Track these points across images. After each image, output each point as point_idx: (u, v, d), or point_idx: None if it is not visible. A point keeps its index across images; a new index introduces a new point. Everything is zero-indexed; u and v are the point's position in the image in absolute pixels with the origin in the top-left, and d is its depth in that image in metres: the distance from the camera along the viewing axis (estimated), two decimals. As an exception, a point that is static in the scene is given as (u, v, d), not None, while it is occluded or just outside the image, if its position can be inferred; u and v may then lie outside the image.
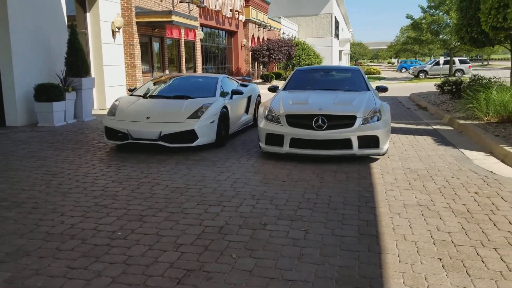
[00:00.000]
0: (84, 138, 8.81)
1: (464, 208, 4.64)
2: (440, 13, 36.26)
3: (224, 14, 23.86)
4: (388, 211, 4.56)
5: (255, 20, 30.20)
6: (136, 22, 14.71)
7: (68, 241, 3.80)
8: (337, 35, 64.39)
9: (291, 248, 3.67)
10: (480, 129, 8.74)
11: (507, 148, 6.87)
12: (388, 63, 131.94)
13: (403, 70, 64.17)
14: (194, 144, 7.27)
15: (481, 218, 4.33)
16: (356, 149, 6.61)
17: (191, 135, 7.23)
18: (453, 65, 38.86)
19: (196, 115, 7.38)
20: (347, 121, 6.65)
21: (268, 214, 4.48)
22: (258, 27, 31.56)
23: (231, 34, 28.18)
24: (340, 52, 73.05)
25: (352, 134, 6.57)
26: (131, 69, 14.74)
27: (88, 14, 13.36)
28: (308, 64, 32.20)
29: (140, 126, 7.24)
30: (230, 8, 25.00)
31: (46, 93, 10.06)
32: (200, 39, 21.05)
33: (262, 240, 3.83)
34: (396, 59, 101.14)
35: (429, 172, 6.14)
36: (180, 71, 18.62)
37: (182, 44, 18.71)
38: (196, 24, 17.03)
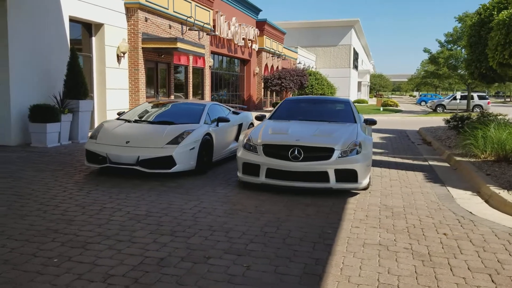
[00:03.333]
0: (70, 160, 8.81)
1: (426, 250, 4.40)
2: (458, 48, 36.04)
3: (236, 42, 24.12)
4: (344, 250, 4.35)
5: (268, 49, 30.46)
6: (142, 48, 14.92)
7: (-1, 266, 3.70)
8: (355, 66, 64.57)
9: (225, 285, 3.49)
10: (474, 167, 8.45)
11: (493, 189, 6.59)
12: (410, 96, 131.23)
13: (423, 103, 63.62)
14: (172, 170, 7.18)
15: (439, 262, 4.09)
16: (333, 183, 6.42)
17: (168, 161, 7.16)
18: (472, 100, 38.33)
19: (176, 141, 7.32)
20: (325, 153, 6.49)
21: (218, 247, 4.31)
22: (272, 56, 31.80)
23: (244, 62, 28.43)
24: (359, 83, 73.12)
25: (329, 167, 6.40)
26: (135, 93, 14.89)
27: (93, 39, 13.61)
28: (321, 94, 32.19)
29: (119, 150, 7.20)
30: (243, 37, 25.28)
31: (41, 114, 10.18)
32: (210, 66, 21.25)
33: (198, 275, 3.67)
34: (417, 92, 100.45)
35: (405, 210, 5.90)
36: (187, 97, 18.75)
37: (190, 70, 18.89)
38: (203, 51, 17.21)
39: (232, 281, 3.57)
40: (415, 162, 10.14)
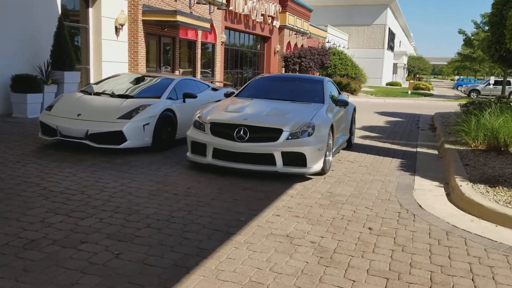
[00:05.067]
0: (38, 131, 8.67)
1: (334, 245, 3.94)
2: (495, 30, 33.98)
3: (254, 18, 23.49)
4: (242, 240, 3.95)
5: (291, 26, 29.61)
6: (143, 21, 14.64)
7: None
8: (391, 47, 62.39)
9: (73, 274, 3.18)
10: (456, 156, 7.78)
11: (459, 181, 5.97)
12: (451, 80, 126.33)
13: (459, 88, 61.03)
14: (121, 146, 6.90)
15: (339, 260, 3.64)
16: (279, 166, 5.99)
17: (118, 136, 6.87)
18: (508, 86, 36.30)
19: (129, 115, 7.02)
20: (272, 134, 6.04)
21: (105, 230, 4.00)
22: (295, 34, 30.94)
23: (264, 39, 27.76)
24: (395, 65, 70.78)
25: (275, 149, 5.95)
26: (133, 67, 14.68)
27: (90, 10, 13.41)
28: (344, 75, 31.19)
29: (69, 123, 6.97)
30: (262, 12, 24.59)
31: (22, 84, 10.09)
32: (222, 42, 20.79)
33: (54, 261, 3.37)
34: (457, 76, 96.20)
35: (348, 199, 5.41)
36: (195, 73, 18.43)
37: (199, 46, 18.50)
38: (207, 25, 16.74)
39: (86, 270, 3.25)
40: (403, 148, 9.51)
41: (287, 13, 28.68)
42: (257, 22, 24.58)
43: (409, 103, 27.24)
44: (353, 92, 29.84)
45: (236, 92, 8.04)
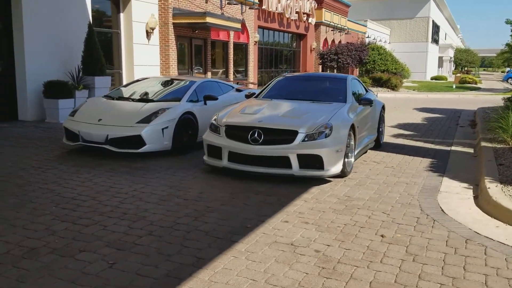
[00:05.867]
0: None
1: (340, 254, 3.74)
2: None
3: (288, 16, 23.25)
4: (243, 249, 3.82)
5: (328, 22, 29.15)
6: (174, 24, 14.75)
7: None
8: (435, 40, 60.37)
9: (65, 285, 3.15)
10: (491, 155, 7.32)
11: (488, 182, 5.59)
12: (502, 72, 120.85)
13: (510, 80, 58.20)
14: (140, 150, 6.92)
15: (342, 271, 3.44)
16: (295, 169, 5.80)
17: (137, 140, 6.89)
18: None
19: (148, 119, 7.03)
20: (287, 136, 5.87)
21: (106, 238, 3.97)
22: (332, 30, 30.43)
23: (300, 37, 27.45)
24: (440, 58, 68.42)
25: (291, 151, 5.78)
26: (165, 70, 14.83)
27: (121, 15, 13.64)
28: (384, 70, 30.37)
29: (90, 128, 7.05)
30: (297, 10, 24.30)
31: (53, 90, 10.37)
32: (255, 42, 20.69)
33: (51, 270, 3.35)
34: (508, 68, 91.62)
35: (366, 203, 5.16)
36: (227, 74, 18.43)
37: (231, 46, 18.48)
38: (238, 26, 16.66)
39: (77, 280, 3.22)
40: (436, 147, 9.07)
41: (323, 9, 28.25)
42: (292, 20, 24.33)
43: (453, 98, 26.22)
44: (394, 87, 29.04)
45: (256, 93, 7.90)
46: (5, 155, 7.12)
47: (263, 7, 20.81)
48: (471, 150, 8.69)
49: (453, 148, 8.91)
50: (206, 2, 16.37)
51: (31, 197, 5.05)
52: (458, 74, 48.18)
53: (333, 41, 31.09)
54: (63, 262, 3.49)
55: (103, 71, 11.49)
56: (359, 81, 8.46)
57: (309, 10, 26.00)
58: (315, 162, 5.80)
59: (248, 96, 7.92)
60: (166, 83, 8.66)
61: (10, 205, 4.78)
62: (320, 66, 28.44)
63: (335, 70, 30.00)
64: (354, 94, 7.53)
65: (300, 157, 5.77)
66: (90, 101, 7.92)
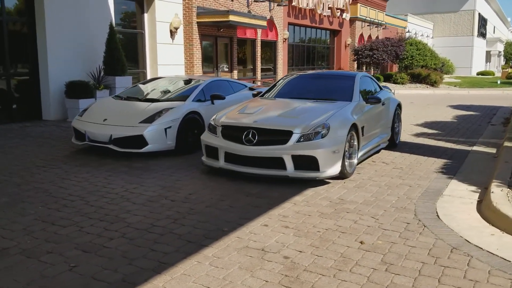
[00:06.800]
0: (82, 135, 9.05)
1: (309, 262, 3.58)
2: None
3: (319, 12, 22.89)
4: (210, 254, 3.72)
5: (364, 18, 28.52)
6: (198, 23, 14.80)
7: None
8: (482, 34, 57.87)
9: (19, 287, 3.16)
10: (510, 156, 6.88)
11: (494, 186, 5.23)
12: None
13: None
14: (143, 150, 6.94)
15: (305, 279, 3.28)
16: (290, 170, 5.64)
17: (140, 140, 6.92)
18: None
19: (151, 119, 7.05)
20: (282, 137, 5.71)
21: (77, 240, 3.97)
22: (368, 25, 29.74)
23: (334, 33, 27.01)
24: (488, 52, 65.63)
25: (285, 152, 5.62)
26: (189, 69, 14.92)
27: (145, 15, 13.81)
28: (422, 66, 29.37)
29: (96, 128, 7.15)
30: (330, 5, 23.90)
31: (74, 90, 10.61)
32: (285, 39, 20.48)
33: (12, 271, 3.38)
34: None
35: (355, 208, 4.94)
36: (255, 72, 18.34)
37: (258, 44, 18.36)
38: (263, 23, 16.52)
39: (33, 283, 3.22)
40: (457, 146, 8.63)
41: (359, 4, 27.67)
42: (324, 15, 23.94)
43: (496, 94, 25.05)
44: (433, 84, 28.04)
45: (263, 92, 7.77)
46: (16, 154, 7.33)
47: (293, 3, 20.58)
48: (494, 151, 8.21)
49: (474, 148, 8.45)
50: (232, 1, 16.33)
51: (23, 197, 5.15)
52: (505, 70, 45.96)
53: (369, 36, 30.40)
54: (27, 264, 3.51)
55: (124, 71, 11.67)
56: (372, 78, 8.16)
57: (343, 6, 25.51)
58: (310, 163, 5.62)
59: (255, 95, 7.80)
60: (178, 83, 8.66)
61: (0, 204, 4.88)
62: (356, 63, 27.87)
63: (371, 66, 29.31)
64: (363, 92, 7.26)
65: (294, 158, 5.61)
66: (99, 101, 8.05)
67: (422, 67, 29.40)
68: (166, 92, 8.20)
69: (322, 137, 5.67)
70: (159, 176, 6.13)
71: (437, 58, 30.66)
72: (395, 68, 33.28)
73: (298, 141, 5.64)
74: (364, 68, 28.05)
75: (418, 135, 10.01)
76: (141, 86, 8.80)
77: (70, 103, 10.76)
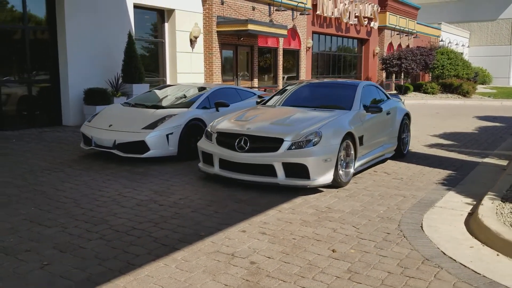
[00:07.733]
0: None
1: (275, 267, 3.60)
2: None
3: (345, 21, 22.78)
4: (178, 258, 3.79)
5: (393, 26, 28.17)
6: (218, 32, 15.02)
7: None
8: (521, 43, 55.94)
9: (-12, 282, 3.33)
10: (516, 168, 6.68)
11: (487, 198, 5.11)
12: None
13: None
14: (145, 155, 7.11)
15: (266, 286, 3.31)
16: (281, 178, 5.68)
17: (142, 146, 7.10)
18: None
19: (154, 125, 7.22)
20: (273, 144, 5.76)
21: (56, 240, 4.12)
22: (398, 34, 29.34)
23: (362, 41, 26.79)
24: (528, 62, 63.40)
25: (275, 159, 5.66)
26: (209, 78, 15.13)
27: (166, 25, 14.14)
28: (454, 75, 28.68)
29: (101, 133, 7.37)
30: (356, 14, 23.74)
31: (93, 96, 10.97)
32: (308, 48, 20.48)
33: (-17, 267, 3.55)
34: None
35: (340, 217, 4.91)
36: (276, 81, 18.42)
37: (280, 53, 18.43)
38: (284, 32, 16.59)
39: (3, 279, 3.38)
40: (468, 158, 8.43)
41: (388, 12, 27.36)
42: (351, 24, 23.80)
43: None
44: (465, 94, 27.35)
45: (266, 100, 7.83)
46: (26, 157, 7.64)
47: (318, 12, 20.58)
48: (505, 163, 7.97)
49: (486, 160, 8.23)
50: (254, 10, 16.49)
51: (20, 198, 5.38)
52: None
53: (399, 45, 29.97)
54: (3, 261, 3.68)
55: (141, 78, 11.97)
56: (378, 87, 8.10)
57: (371, 14, 25.29)
58: (301, 171, 5.63)
59: (258, 103, 7.87)
60: (187, 90, 8.82)
61: (-4, 204, 5.12)
62: (384, 72, 27.52)
63: (400, 76, 28.87)
64: (366, 101, 7.21)
65: (285, 165, 5.64)
66: (108, 107, 8.29)
67: (454, 77, 28.74)
68: (173, 99, 8.38)
69: (314, 145, 5.67)
70: (156, 181, 6.27)
71: (470, 68, 29.88)
72: (427, 77, 32.65)
73: (289, 148, 5.66)
74: (394, 77, 27.66)
75: (432, 145, 9.82)
76: (150, 93, 9.02)
77: (88, 109, 11.10)
